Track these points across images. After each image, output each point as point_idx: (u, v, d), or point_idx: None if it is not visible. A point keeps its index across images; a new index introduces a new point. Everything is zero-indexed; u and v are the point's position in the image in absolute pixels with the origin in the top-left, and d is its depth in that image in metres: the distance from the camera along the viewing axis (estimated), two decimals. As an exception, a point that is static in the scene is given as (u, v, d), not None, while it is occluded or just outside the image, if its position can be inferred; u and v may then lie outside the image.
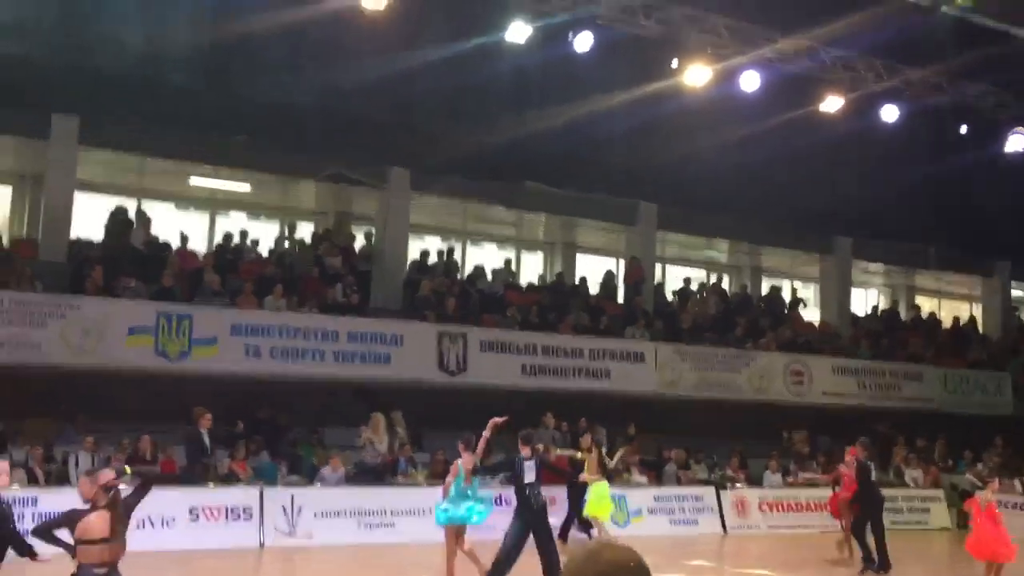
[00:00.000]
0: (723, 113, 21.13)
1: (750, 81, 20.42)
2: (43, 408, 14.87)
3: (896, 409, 22.28)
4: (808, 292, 27.07)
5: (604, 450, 15.23)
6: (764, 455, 19.39)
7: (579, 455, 14.67)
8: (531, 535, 10.59)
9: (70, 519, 6.07)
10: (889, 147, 23.12)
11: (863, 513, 13.28)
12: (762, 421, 19.97)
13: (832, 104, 21.40)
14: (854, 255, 24.80)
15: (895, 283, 28.42)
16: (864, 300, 27.85)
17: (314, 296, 17.90)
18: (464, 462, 11.06)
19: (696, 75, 19.90)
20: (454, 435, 17.95)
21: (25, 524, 12.38)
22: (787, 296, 25.43)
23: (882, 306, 27.60)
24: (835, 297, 24.81)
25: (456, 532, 11.11)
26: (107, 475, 6.23)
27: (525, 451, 10.88)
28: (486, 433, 10.93)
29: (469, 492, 11.03)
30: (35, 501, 12.62)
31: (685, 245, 24.72)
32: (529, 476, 10.74)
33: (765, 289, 25.82)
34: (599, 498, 14.40)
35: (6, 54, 17.07)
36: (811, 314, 25.52)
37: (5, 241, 17.06)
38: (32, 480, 13.41)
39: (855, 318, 25.35)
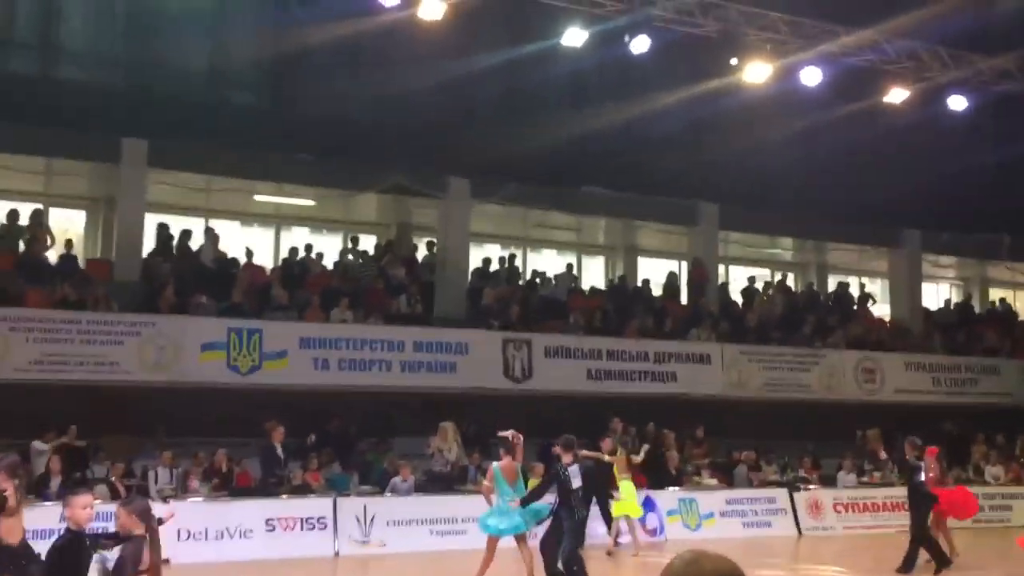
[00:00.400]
0: (784, 108, 20.85)
1: (811, 76, 20.12)
2: (122, 424, 15.28)
3: (973, 405, 21.72)
4: (876, 288, 26.52)
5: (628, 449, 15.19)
6: (836, 455, 19.04)
7: (606, 458, 14.42)
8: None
9: (134, 562, 5.78)
10: (957, 137, 22.56)
11: (917, 513, 13.00)
12: (833, 421, 19.62)
13: (897, 96, 20.96)
14: (924, 248, 24.22)
15: (967, 275, 27.69)
16: (936, 294, 27.18)
17: (379, 307, 18.10)
18: (503, 466, 10.88)
19: (755, 72, 19.66)
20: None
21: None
22: (855, 292, 24.95)
23: (954, 300, 26.92)
24: (905, 292, 24.27)
25: (517, 539, 10.93)
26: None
27: (567, 458, 10.64)
28: (517, 440, 10.91)
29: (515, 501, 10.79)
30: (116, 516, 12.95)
31: (748, 244, 24.41)
32: (576, 482, 10.51)
33: (832, 286, 25.38)
34: (628, 496, 14.28)
35: (76, 80, 17.65)
36: (881, 310, 25.00)
37: (81, 263, 17.58)
38: (114, 495, 13.76)
39: (927, 313, 24.77)
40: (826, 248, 24.95)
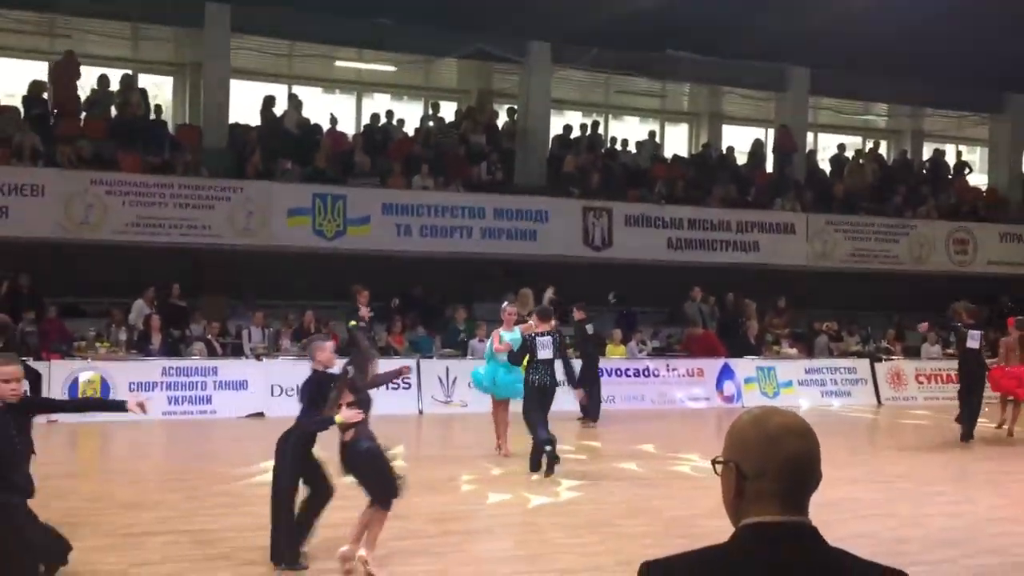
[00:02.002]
0: (884, -35, 19.60)
1: (915, -72, 18.78)
2: (216, 286, 15.91)
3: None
4: (974, 156, 25.44)
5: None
6: (923, 327, 18.76)
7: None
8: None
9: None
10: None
11: (961, 380, 13.04)
12: (921, 293, 19.24)
13: (1008, -52, 19.48)
14: (1028, 115, 23.03)
15: (1074, 144, 26.29)
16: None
17: (460, 174, 18.16)
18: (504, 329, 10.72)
19: (855, -76, 18.45)
20: (600, 310, 18.23)
21: (208, 391, 13.53)
22: (951, 161, 24.01)
23: (1058, 169, 25.68)
24: (1005, 160, 23.25)
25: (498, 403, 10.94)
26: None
27: (542, 327, 10.22)
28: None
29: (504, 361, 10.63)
30: (215, 371, 13.69)
31: (839, 110, 23.52)
32: (544, 352, 10.06)
33: (927, 154, 24.45)
34: None
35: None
36: (978, 179, 24.07)
37: (171, 128, 17.96)
38: (211, 352, 14.49)
39: (1027, 182, 23.75)
40: (922, 114, 23.92)
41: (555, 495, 9.03)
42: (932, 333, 18.22)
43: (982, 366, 13.17)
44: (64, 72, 16.84)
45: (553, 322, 10.47)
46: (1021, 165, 23.56)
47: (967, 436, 12.78)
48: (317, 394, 6.42)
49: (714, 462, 2.07)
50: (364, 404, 6.38)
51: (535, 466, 9.94)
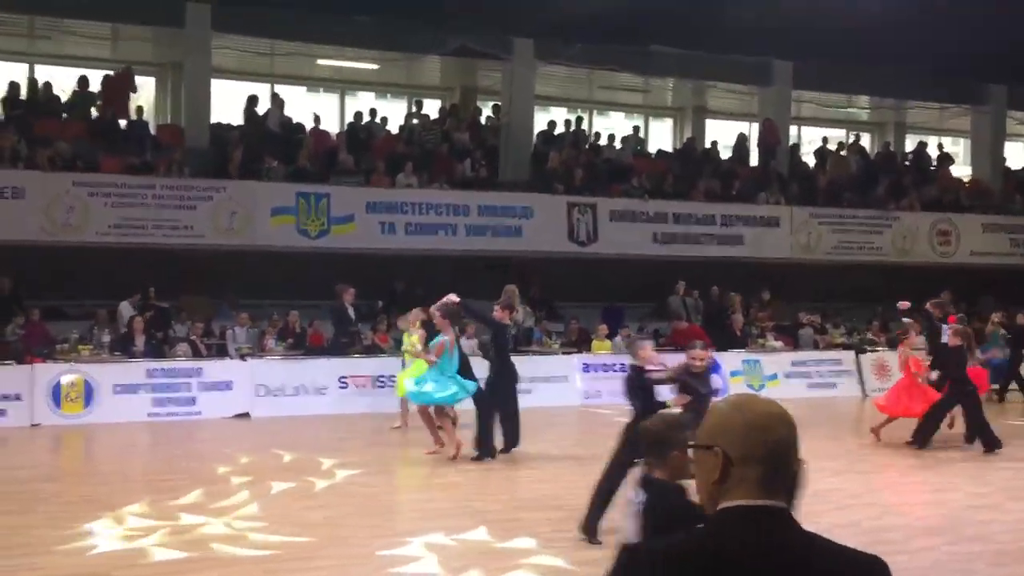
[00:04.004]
0: (864, -42, 19.69)
1: (895, -80, 18.88)
2: (199, 286, 15.84)
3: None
4: (957, 148, 25.56)
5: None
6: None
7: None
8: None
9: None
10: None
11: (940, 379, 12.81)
12: (905, 284, 19.30)
13: (987, -60, 19.58)
14: (1009, 105, 23.16)
15: (1055, 134, 26.46)
16: (1021, 153, 26.11)
17: (444, 172, 18.14)
18: (451, 341, 10.49)
19: (834, -82, 18.53)
20: (586, 305, 18.27)
21: (193, 392, 13.45)
22: (934, 153, 24.13)
23: (1040, 159, 25.84)
24: (987, 151, 23.38)
25: (440, 410, 10.79)
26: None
27: (505, 317, 10.59)
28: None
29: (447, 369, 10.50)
30: (200, 371, 13.64)
31: (823, 104, 23.60)
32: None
33: (910, 146, 24.55)
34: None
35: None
36: (960, 170, 24.18)
37: (152, 129, 17.87)
38: (196, 353, 14.43)
39: (1009, 172, 23.89)
40: (905, 106, 24.01)
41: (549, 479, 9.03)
42: (917, 324, 18.22)
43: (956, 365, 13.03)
44: (118, 85, 17.07)
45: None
46: (1003, 156, 23.70)
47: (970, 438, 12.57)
48: (639, 387, 7.28)
49: (694, 447, 2.06)
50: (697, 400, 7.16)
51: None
